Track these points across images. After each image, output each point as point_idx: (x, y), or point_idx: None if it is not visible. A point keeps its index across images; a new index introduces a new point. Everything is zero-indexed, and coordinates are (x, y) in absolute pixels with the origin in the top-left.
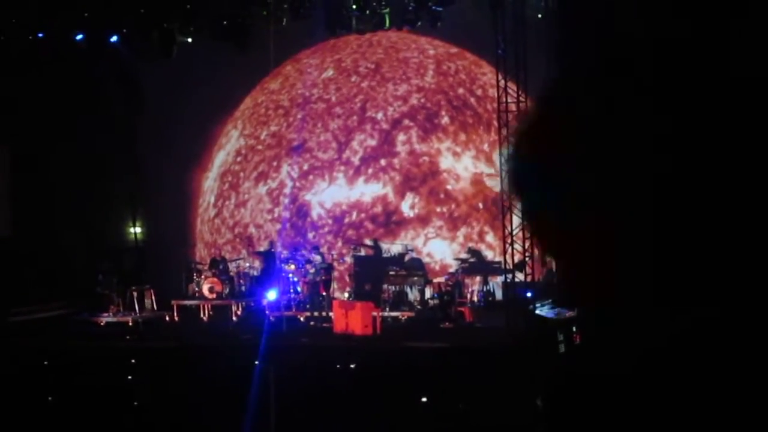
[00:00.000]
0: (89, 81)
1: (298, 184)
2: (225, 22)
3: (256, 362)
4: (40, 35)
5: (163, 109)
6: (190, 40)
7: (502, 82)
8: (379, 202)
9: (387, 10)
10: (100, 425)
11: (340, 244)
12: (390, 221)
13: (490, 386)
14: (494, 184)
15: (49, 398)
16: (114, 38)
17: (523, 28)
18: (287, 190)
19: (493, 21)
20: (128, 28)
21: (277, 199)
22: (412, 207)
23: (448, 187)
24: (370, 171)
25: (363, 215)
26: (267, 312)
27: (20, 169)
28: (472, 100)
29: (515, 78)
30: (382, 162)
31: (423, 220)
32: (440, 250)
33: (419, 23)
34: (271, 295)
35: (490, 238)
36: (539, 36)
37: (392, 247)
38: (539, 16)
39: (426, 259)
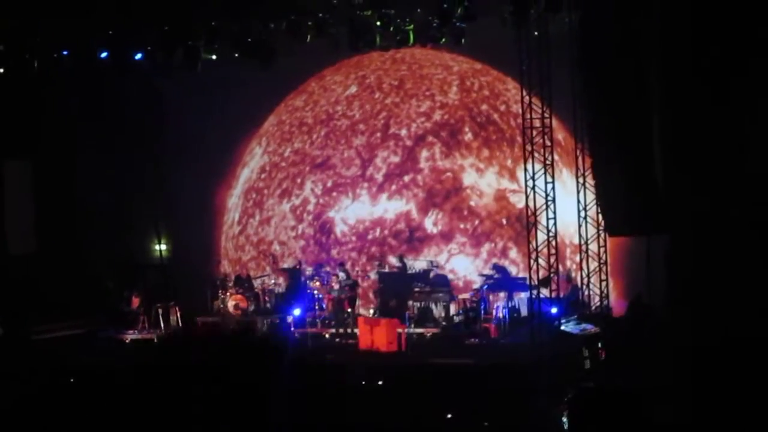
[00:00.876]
0: (114, 98)
1: (321, 200)
2: (249, 39)
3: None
4: (65, 53)
5: (187, 126)
6: (214, 57)
7: (526, 99)
8: (402, 218)
9: (411, 26)
10: None
11: (363, 260)
12: (413, 238)
13: (516, 403)
14: (517, 200)
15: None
16: (138, 55)
17: (547, 44)
18: (311, 207)
19: (517, 37)
20: (153, 45)
21: (301, 216)
22: (435, 223)
23: (472, 203)
24: (393, 187)
25: (386, 232)
26: (292, 329)
27: (44, 185)
28: (496, 116)
29: (539, 94)
30: (406, 178)
31: (446, 237)
32: (463, 267)
33: (443, 40)
34: (296, 311)
35: (513, 254)
36: (563, 52)
37: (417, 264)
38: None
39: (449, 276)
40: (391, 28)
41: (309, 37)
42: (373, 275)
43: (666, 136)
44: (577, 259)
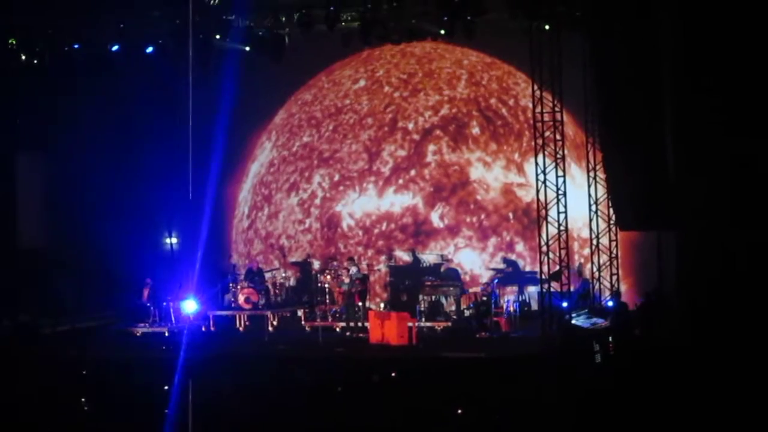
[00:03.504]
0: (125, 92)
1: (328, 194)
2: (261, 33)
3: None
4: (76, 46)
5: (199, 120)
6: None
7: (537, 93)
8: (408, 212)
9: (422, 21)
10: None
11: (370, 254)
12: (420, 231)
13: (526, 396)
14: (524, 194)
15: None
16: (149, 49)
17: (558, 38)
18: (318, 201)
19: (528, 32)
20: (164, 39)
21: (309, 210)
22: (441, 217)
23: (478, 197)
24: (400, 181)
25: (393, 225)
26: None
27: (55, 179)
28: (504, 110)
29: (550, 88)
30: (412, 172)
31: (453, 231)
32: (470, 260)
33: (454, 34)
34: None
35: (520, 247)
36: (574, 46)
37: (428, 258)
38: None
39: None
40: (403, 22)
41: (320, 31)
42: (383, 268)
43: (677, 131)
44: (585, 252)
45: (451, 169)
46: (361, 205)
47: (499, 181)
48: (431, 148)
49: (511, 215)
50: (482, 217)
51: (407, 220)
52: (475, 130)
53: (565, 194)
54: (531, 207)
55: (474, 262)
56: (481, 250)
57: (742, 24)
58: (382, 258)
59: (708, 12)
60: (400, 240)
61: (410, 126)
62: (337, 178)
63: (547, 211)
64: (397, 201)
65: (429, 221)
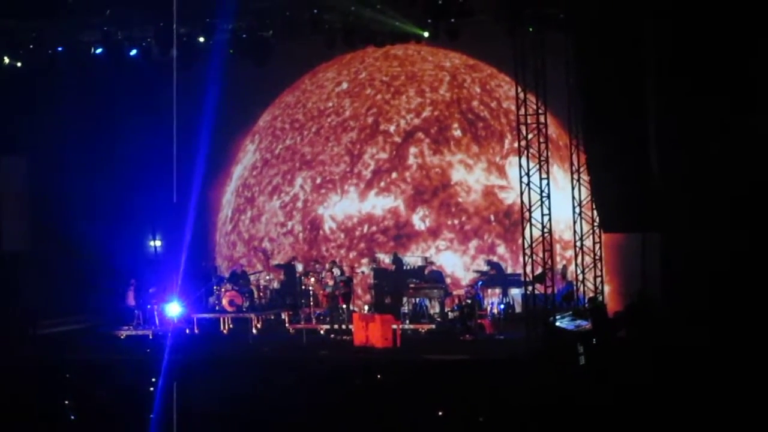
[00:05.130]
0: (108, 94)
1: (310, 197)
2: (244, 36)
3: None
4: (60, 49)
5: (183, 123)
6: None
7: (521, 95)
8: (390, 214)
9: (406, 23)
10: None
11: (352, 256)
12: (401, 234)
13: (511, 398)
14: (506, 197)
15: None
16: (133, 52)
17: (541, 41)
18: (300, 204)
19: (512, 33)
20: (148, 42)
21: (291, 213)
22: (422, 219)
23: (460, 199)
24: (381, 184)
25: (374, 228)
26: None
27: (38, 181)
28: (486, 112)
29: (534, 90)
30: (394, 175)
31: (434, 233)
32: (451, 263)
33: (438, 37)
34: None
35: (501, 250)
36: (558, 48)
37: (411, 260)
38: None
39: None
40: (387, 25)
41: (304, 33)
42: (367, 270)
43: (661, 133)
44: (567, 255)
45: (432, 171)
46: (342, 207)
47: (481, 184)
48: (413, 150)
49: (492, 218)
50: (463, 219)
51: (389, 222)
52: (457, 133)
53: (549, 196)
54: (512, 209)
55: (455, 264)
56: (462, 253)
57: (725, 26)
58: (363, 261)
59: (692, 14)
60: (381, 242)
61: (392, 128)
62: (318, 180)
63: (531, 213)
64: (379, 203)
65: (410, 223)
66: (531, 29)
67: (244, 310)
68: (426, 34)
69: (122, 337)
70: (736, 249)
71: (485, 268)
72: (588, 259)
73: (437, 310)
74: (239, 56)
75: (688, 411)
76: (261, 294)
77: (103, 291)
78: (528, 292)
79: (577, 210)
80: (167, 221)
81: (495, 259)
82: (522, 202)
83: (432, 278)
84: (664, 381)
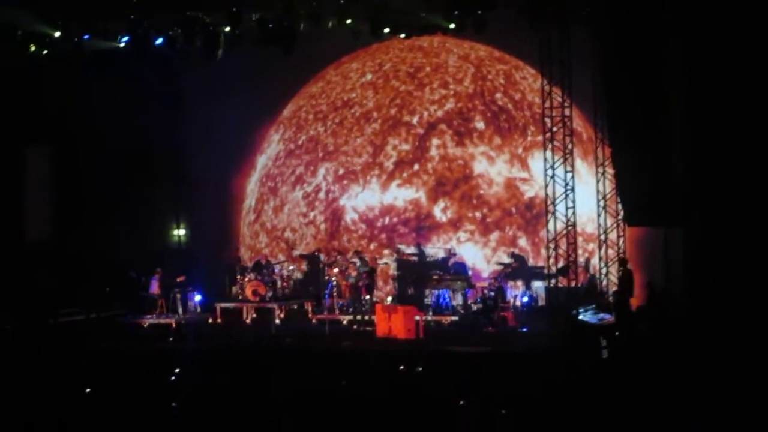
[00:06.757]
0: (134, 85)
1: (332, 188)
2: (271, 26)
3: None
4: (86, 37)
5: (208, 113)
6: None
7: (546, 87)
8: (411, 206)
9: (432, 14)
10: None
11: (373, 247)
12: (422, 225)
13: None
14: (528, 189)
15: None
16: (159, 41)
17: (567, 35)
18: (322, 195)
19: (537, 27)
20: (173, 31)
21: (313, 203)
22: (444, 211)
23: (481, 191)
24: (404, 175)
25: (395, 219)
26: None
27: (62, 170)
28: (510, 104)
29: (560, 83)
30: (416, 166)
31: (455, 225)
32: (472, 255)
33: (464, 29)
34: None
35: (522, 242)
36: (583, 42)
37: (434, 252)
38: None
39: None
40: (413, 16)
41: (330, 23)
42: (389, 262)
43: (686, 128)
44: (589, 248)
45: (454, 163)
46: (364, 198)
47: (503, 176)
48: (435, 142)
49: (513, 210)
50: (485, 211)
51: (410, 214)
52: (480, 125)
53: (573, 189)
54: (534, 202)
55: (476, 256)
56: (483, 245)
57: (750, 24)
58: (385, 252)
59: (717, 11)
60: (403, 234)
61: (415, 120)
62: (341, 171)
63: (555, 206)
64: (401, 195)
65: (432, 215)
66: (554, 27)
67: (267, 299)
68: (452, 26)
69: (145, 325)
70: (759, 246)
71: (508, 260)
72: (611, 252)
73: (459, 301)
74: (265, 46)
75: (708, 404)
76: (284, 284)
77: (126, 280)
78: (551, 285)
79: (602, 203)
80: (192, 211)
81: (516, 251)
82: (546, 194)
83: (455, 270)
84: (684, 375)
